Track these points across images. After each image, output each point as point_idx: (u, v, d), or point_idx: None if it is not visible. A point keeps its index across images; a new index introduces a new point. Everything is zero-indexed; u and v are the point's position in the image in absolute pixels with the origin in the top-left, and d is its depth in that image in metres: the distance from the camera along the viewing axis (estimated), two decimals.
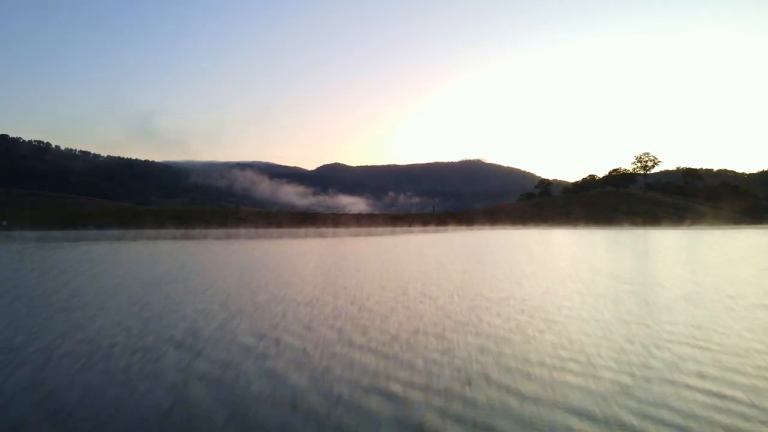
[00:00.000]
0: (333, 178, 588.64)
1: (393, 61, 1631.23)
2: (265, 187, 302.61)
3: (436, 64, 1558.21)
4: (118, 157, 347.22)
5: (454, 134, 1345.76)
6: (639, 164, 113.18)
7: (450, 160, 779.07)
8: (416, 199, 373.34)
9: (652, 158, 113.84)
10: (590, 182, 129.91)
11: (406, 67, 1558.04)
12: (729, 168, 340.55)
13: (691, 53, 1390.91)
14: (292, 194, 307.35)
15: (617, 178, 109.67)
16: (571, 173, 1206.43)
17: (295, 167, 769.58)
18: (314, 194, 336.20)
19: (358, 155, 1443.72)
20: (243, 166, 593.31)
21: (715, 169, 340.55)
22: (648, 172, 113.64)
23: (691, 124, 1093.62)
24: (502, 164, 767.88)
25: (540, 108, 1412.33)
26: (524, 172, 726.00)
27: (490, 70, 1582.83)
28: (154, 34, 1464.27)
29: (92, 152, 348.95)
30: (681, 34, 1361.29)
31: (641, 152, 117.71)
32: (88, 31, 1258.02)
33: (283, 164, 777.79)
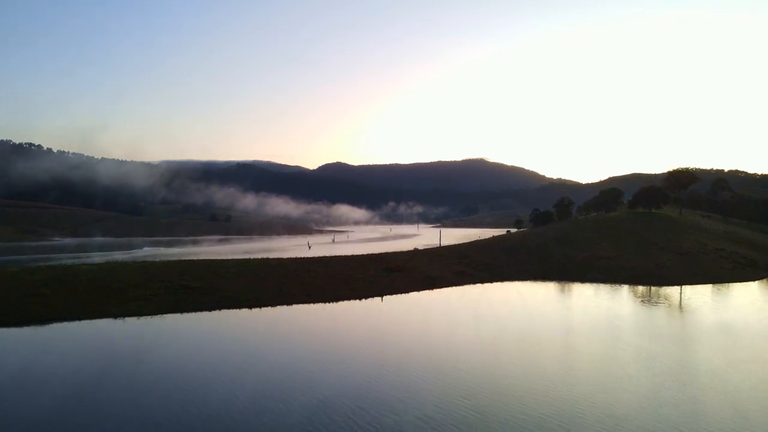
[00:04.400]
0: (334, 178, 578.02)
1: (395, 58, 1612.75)
2: (255, 199, 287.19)
3: (437, 61, 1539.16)
4: (115, 159, 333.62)
5: (456, 133, 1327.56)
6: (673, 181, 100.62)
7: (453, 159, 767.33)
8: (418, 208, 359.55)
9: (688, 174, 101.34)
10: (611, 195, 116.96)
11: (409, 65, 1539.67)
12: (741, 169, 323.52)
13: (699, 46, 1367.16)
14: (284, 204, 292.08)
15: (648, 196, 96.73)
16: (575, 172, 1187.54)
17: (296, 166, 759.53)
18: (309, 203, 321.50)
19: (360, 154, 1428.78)
20: (243, 165, 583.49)
21: (726, 170, 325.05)
22: (684, 190, 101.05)
23: (697, 122, 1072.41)
24: (505, 163, 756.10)
25: (542, 104, 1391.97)
26: (528, 171, 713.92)
27: (491, 66, 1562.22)
28: (151, 32, 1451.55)
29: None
30: (690, 22, 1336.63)
31: (676, 167, 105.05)
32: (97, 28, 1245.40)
33: (284, 163, 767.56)
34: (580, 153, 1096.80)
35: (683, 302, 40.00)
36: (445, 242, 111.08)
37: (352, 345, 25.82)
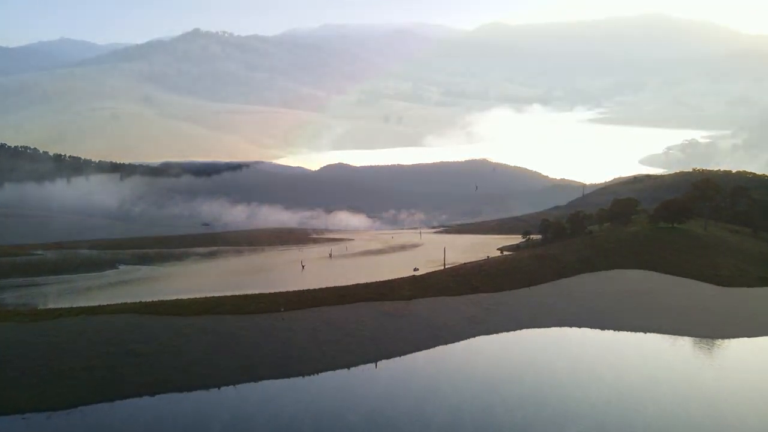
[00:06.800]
0: (336, 179, 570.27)
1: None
2: (247, 208, 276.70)
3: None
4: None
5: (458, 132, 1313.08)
6: (697, 194, 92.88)
7: (455, 160, 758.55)
8: (420, 215, 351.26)
9: (713, 185, 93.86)
10: (627, 205, 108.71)
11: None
12: (748, 169, 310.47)
13: (701, 40, 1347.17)
14: (279, 213, 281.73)
15: (671, 210, 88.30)
16: (579, 172, 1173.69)
17: (298, 167, 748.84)
18: (307, 209, 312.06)
19: (361, 155, 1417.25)
20: (244, 165, 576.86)
21: (734, 170, 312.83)
22: (708, 204, 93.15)
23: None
24: (508, 164, 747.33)
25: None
26: (531, 171, 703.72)
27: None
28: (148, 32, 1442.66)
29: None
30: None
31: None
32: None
33: (286, 164, 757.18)
34: (582, 152, 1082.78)
35: None
36: (450, 255, 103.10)
37: None
